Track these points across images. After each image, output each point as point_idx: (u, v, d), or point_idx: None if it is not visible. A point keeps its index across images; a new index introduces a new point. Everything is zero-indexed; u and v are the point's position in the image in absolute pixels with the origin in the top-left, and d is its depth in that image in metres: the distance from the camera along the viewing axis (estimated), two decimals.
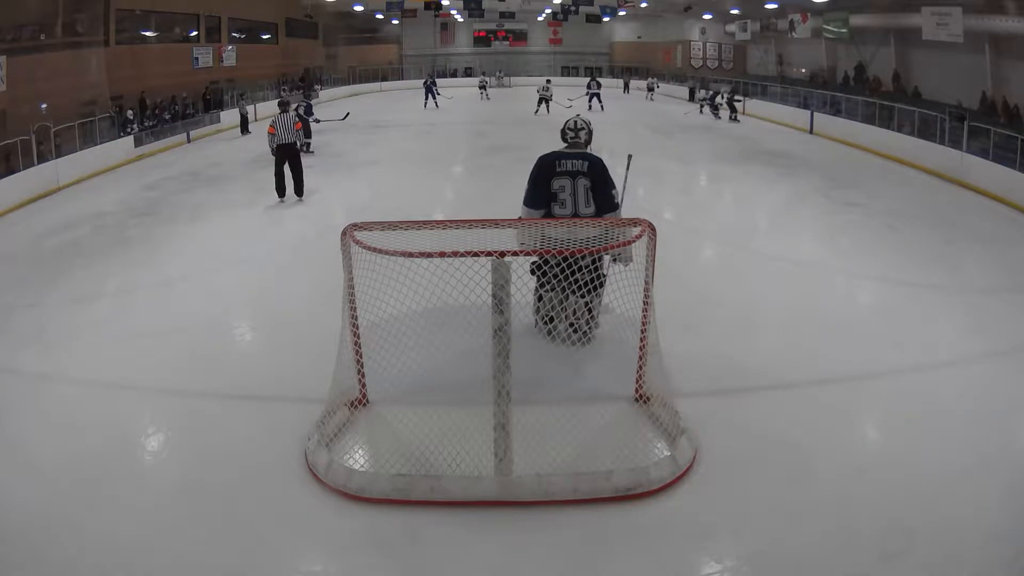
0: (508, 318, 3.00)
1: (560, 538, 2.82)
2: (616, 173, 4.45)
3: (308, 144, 11.93)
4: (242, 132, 16.43)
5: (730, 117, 17.91)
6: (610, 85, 27.96)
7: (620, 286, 3.65)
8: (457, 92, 24.58)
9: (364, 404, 3.73)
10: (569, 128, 4.44)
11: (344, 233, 3.40)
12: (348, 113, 14.47)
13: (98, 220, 8.49)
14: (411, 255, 3.07)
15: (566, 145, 4.42)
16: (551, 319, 4.39)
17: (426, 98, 21.39)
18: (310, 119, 12.32)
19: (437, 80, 23.13)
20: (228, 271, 6.32)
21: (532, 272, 3.86)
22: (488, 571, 2.69)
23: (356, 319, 3.58)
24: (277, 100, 11.27)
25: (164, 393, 4.05)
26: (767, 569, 2.67)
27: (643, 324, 3.59)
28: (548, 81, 21.53)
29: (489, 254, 3.02)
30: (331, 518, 2.95)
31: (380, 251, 3.17)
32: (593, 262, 3.83)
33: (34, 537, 2.84)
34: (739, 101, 18.36)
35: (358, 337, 3.62)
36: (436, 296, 3.29)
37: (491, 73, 31.15)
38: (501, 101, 23.53)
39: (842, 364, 4.27)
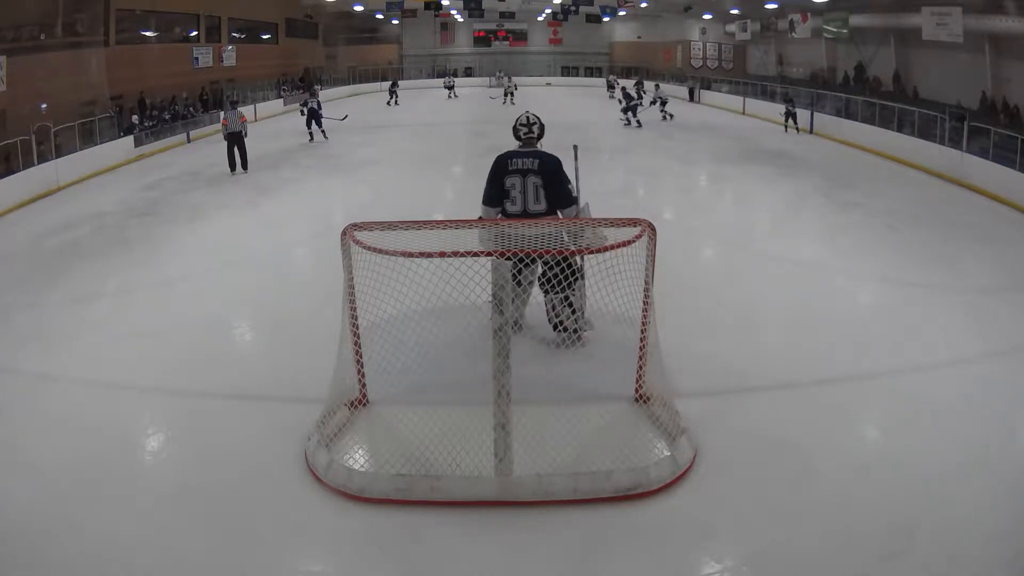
0: (508, 318, 3.00)
1: (560, 538, 2.82)
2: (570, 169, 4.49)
3: (324, 132, 14.59)
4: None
5: (796, 128, 15.52)
6: (599, 85, 28.14)
7: (620, 285, 3.65)
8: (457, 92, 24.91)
9: (364, 404, 3.73)
10: (521, 124, 4.50)
11: (344, 233, 3.40)
12: (347, 115, 15.74)
13: (98, 220, 8.49)
14: (411, 255, 3.07)
15: (520, 143, 4.47)
16: (515, 322, 4.39)
17: (391, 97, 23.51)
18: (320, 112, 14.60)
19: (399, 82, 25.51)
20: (228, 271, 6.32)
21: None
22: (488, 571, 2.69)
23: (356, 319, 3.58)
24: (229, 100, 14.59)
25: (164, 393, 4.05)
26: (767, 569, 2.67)
27: (643, 324, 3.59)
28: (510, 78, 24.97)
29: (489, 254, 3.02)
30: (331, 518, 2.95)
31: (380, 251, 3.17)
32: (556, 260, 3.67)
33: (34, 537, 2.84)
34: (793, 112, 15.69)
35: (358, 337, 3.62)
36: (436, 296, 3.29)
37: (491, 73, 31.21)
38: (500, 101, 23.50)
39: (842, 364, 4.27)
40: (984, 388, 3.97)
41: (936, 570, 2.62)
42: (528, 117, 4.52)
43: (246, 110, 18.57)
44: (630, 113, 16.60)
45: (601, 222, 3.93)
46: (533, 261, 3.64)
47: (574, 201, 4.33)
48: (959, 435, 3.50)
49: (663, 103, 17.77)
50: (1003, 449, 3.40)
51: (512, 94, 22.94)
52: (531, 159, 4.30)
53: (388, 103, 23.13)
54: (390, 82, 24.81)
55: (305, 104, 14.87)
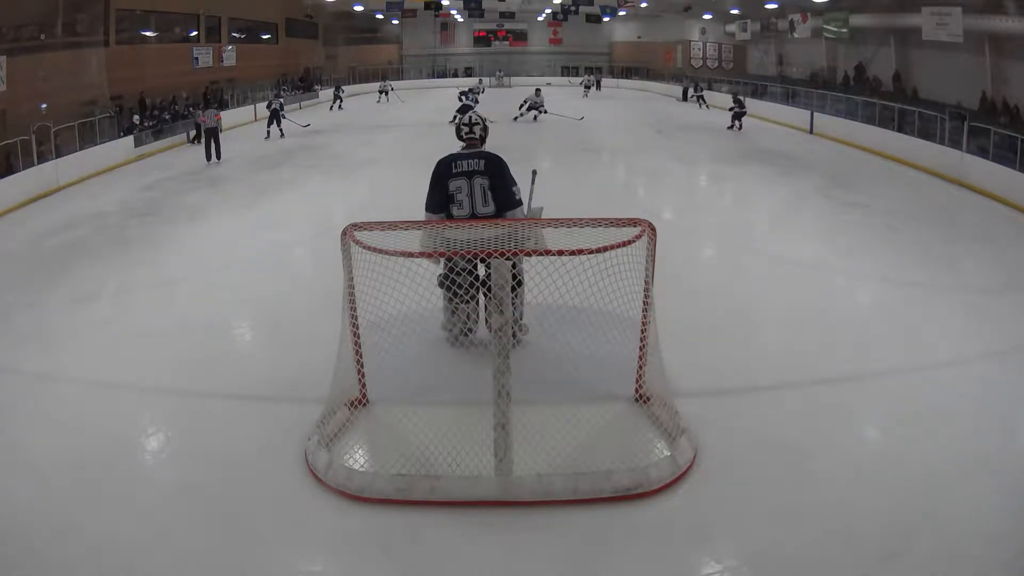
0: (508, 318, 3.00)
1: (560, 538, 2.82)
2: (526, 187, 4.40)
3: (282, 131, 15.65)
4: (193, 142, 14.92)
5: (739, 128, 15.78)
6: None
7: (620, 285, 3.65)
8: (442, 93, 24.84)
9: (364, 404, 3.73)
10: (464, 124, 4.38)
11: (344, 233, 3.40)
12: (309, 124, 16.84)
13: (98, 220, 8.49)
14: (411, 255, 3.07)
15: (464, 145, 4.36)
16: (468, 331, 4.26)
17: (334, 101, 22.61)
18: (281, 113, 15.85)
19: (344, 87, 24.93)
20: (228, 271, 6.31)
21: (440, 285, 3.80)
22: (488, 571, 2.69)
23: (356, 319, 3.58)
24: (208, 102, 17.06)
25: (164, 393, 4.05)
26: (767, 569, 2.67)
27: (643, 324, 3.59)
28: (479, 83, 25.39)
29: (489, 254, 3.02)
30: (331, 518, 2.95)
31: (380, 251, 3.17)
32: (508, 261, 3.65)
33: (34, 537, 2.84)
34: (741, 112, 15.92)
35: (358, 337, 3.62)
36: (436, 296, 3.29)
37: (491, 73, 31.25)
38: (501, 102, 23.50)
39: (842, 364, 4.27)
40: (984, 388, 3.97)
41: (936, 570, 2.62)
42: (471, 117, 4.41)
43: (245, 110, 18.94)
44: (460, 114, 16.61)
45: (601, 222, 3.93)
46: (478, 266, 3.54)
47: (518, 204, 4.23)
48: (959, 435, 3.49)
49: (538, 107, 17.51)
50: (1003, 449, 3.40)
51: (386, 92, 22.96)
52: (476, 160, 4.19)
53: (331, 107, 22.10)
54: (335, 87, 23.73)
55: (270, 104, 15.96)
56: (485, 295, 4.04)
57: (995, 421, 3.63)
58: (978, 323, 4.92)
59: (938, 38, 14.62)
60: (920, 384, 4.05)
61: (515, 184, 4.24)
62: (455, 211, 4.17)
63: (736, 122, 15.94)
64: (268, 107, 15.89)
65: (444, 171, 4.20)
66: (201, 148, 13.24)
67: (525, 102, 17.40)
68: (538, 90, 18.16)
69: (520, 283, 3.73)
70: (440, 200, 4.19)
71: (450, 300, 4.08)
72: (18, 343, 4.80)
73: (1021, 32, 12.79)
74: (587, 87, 25.73)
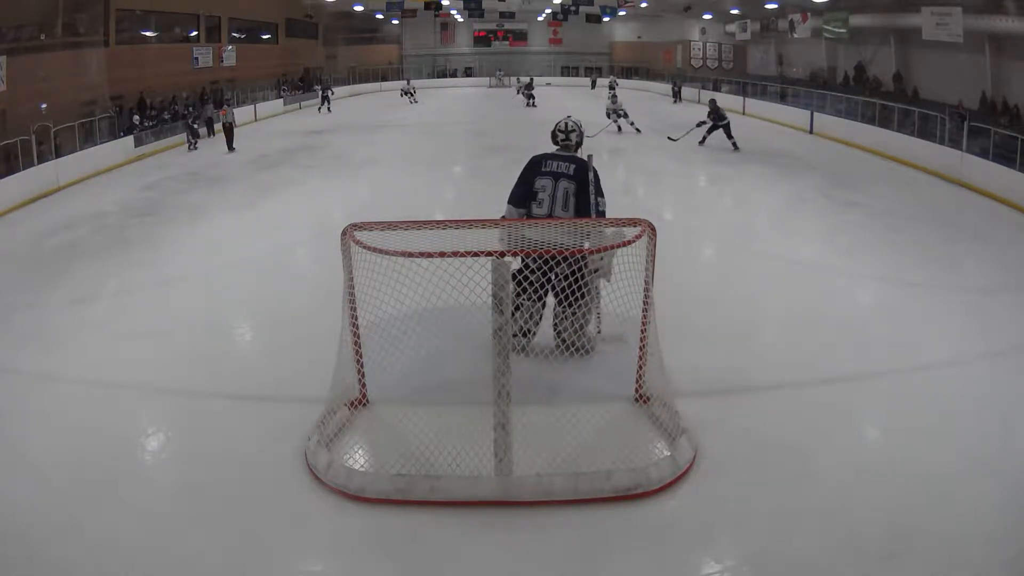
0: (508, 318, 3.00)
1: (560, 538, 2.82)
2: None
3: (196, 143, 15.50)
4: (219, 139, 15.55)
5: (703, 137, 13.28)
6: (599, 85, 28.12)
7: (620, 286, 3.65)
8: (454, 92, 24.68)
9: (364, 404, 3.73)
10: (560, 130, 4.41)
11: (344, 233, 3.40)
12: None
13: (98, 220, 8.49)
14: (411, 255, 3.07)
15: (558, 148, 4.39)
16: (526, 332, 4.22)
17: (321, 103, 21.99)
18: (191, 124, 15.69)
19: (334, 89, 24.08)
20: (228, 271, 6.32)
21: (513, 278, 3.80)
22: (488, 571, 2.69)
23: (356, 319, 3.58)
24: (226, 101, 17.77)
25: (164, 393, 4.05)
26: (767, 569, 2.67)
27: (643, 324, 3.59)
28: (409, 81, 24.66)
29: (489, 254, 3.03)
30: (331, 518, 2.95)
31: (380, 251, 3.17)
32: (570, 268, 3.64)
33: (34, 537, 2.85)
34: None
35: (358, 337, 3.62)
36: (436, 296, 3.29)
37: (491, 72, 31.23)
38: (501, 102, 23.51)
39: (842, 364, 4.27)
40: (984, 388, 3.97)
41: (936, 570, 2.63)
42: (567, 124, 4.40)
43: (247, 110, 19.12)
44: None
45: (601, 222, 3.93)
46: (552, 270, 3.55)
47: (598, 215, 4.18)
48: (959, 435, 3.50)
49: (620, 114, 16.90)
50: (1003, 449, 3.40)
51: (411, 94, 22.90)
52: (567, 163, 4.20)
53: (319, 110, 21.64)
54: (323, 87, 22.83)
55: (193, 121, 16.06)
56: (556, 299, 4.00)
57: (995, 421, 3.63)
58: (978, 323, 4.91)
59: (938, 38, 14.61)
60: (920, 384, 4.05)
61: (601, 195, 4.20)
62: (535, 209, 4.19)
63: (706, 136, 13.10)
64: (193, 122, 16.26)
65: (534, 168, 4.25)
66: (221, 142, 14.34)
67: (613, 112, 14.92)
68: (613, 89, 17.22)
69: (583, 295, 3.67)
70: (522, 195, 4.23)
71: (517, 296, 4.01)
72: (18, 343, 4.81)
73: (1021, 32, 12.79)
74: (610, 87, 25.36)
